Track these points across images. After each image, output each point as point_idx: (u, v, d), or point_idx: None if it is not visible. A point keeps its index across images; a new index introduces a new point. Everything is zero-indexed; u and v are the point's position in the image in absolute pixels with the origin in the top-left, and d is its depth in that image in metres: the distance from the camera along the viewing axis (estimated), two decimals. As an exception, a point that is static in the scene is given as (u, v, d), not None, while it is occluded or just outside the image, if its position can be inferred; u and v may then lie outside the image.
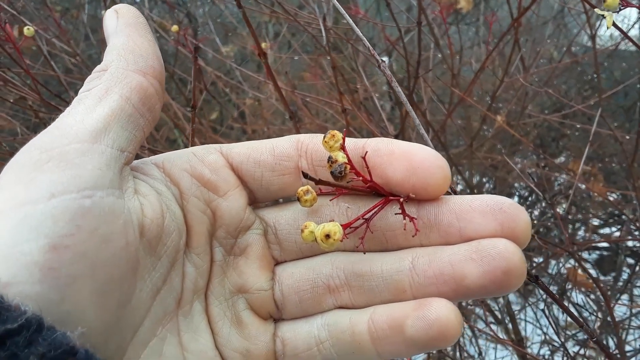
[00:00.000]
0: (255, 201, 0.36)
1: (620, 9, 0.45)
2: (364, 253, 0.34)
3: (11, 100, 1.00)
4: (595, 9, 0.46)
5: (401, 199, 0.32)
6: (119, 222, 0.26)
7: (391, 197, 0.32)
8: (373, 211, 0.32)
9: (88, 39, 2.01)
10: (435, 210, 0.32)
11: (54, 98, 0.88)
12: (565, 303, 1.91)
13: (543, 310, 0.94)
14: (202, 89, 1.55)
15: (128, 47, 0.33)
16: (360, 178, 0.32)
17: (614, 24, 0.47)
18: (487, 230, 0.30)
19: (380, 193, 0.33)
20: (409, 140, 1.68)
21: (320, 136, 0.34)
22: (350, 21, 0.42)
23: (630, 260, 2.17)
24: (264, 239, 0.35)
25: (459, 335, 0.30)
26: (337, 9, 0.47)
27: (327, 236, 0.31)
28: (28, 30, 0.71)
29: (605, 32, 2.86)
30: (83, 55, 1.75)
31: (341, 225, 0.32)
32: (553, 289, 1.97)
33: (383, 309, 0.32)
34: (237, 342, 0.34)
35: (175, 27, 1.02)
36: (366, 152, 0.32)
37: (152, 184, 0.32)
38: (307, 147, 0.34)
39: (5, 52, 0.73)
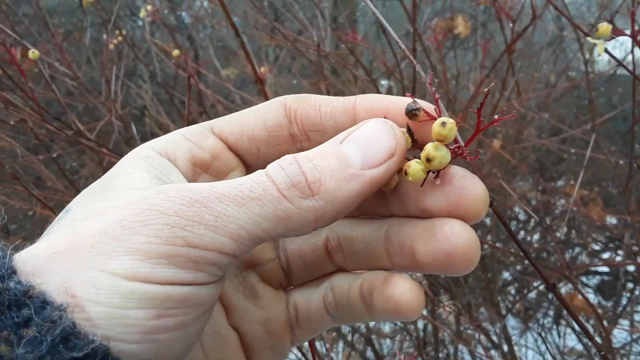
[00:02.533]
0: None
1: (612, 37, 0.46)
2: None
3: (12, 123, 1.01)
4: (588, 37, 0.48)
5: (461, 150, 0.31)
6: (214, 298, 0.29)
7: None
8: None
9: (89, 62, 2.04)
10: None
11: (55, 121, 0.89)
12: (565, 328, 1.90)
13: (540, 334, 0.93)
14: (201, 112, 1.57)
15: None
16: (431, 118, 0.31)
17: (606, 51, 0.48)
18: (436, 205, 0.31)
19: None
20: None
21: (305, 97, 0.34)
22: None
23: (631, 285, 2.16)
24: None
25: (417, 313, 0.32)
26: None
27: (444, 124, 0.29)
28: (33, 53, 0.73)
29: (602, 57, 2.89)
30: (85, 78, 1.77)
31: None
32: (550, 314, 1.96)
33: (368, 275, 0.34)
34: (255, 313, 0.35)
35: (176, 52, 1.04)
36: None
37: None
38: (295, 112, 0.34)
39: (7, 75, 0.74)
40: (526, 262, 2.03)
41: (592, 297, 2.33)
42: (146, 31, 1.48)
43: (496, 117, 0.30)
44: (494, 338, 1.37)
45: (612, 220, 2.28)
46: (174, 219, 0.27)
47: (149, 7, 1.36)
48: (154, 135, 2.06)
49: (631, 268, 2.03)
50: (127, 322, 0.25)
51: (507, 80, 1.16)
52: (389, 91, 2.24)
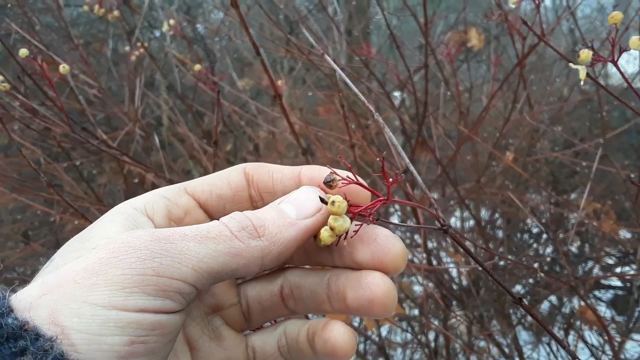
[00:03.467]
0: None
1: (593, 64, 0.49)
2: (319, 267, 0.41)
3: (36, 130, 1.05)
4: (570, 63, 0.50)
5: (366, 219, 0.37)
6: (178, 327, 0.34)
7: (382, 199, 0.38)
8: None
9: (109, 72, 2.09)
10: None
11: (82, 131, 0.92)
12: (577, 341, 1.89)
13: (549, 344, 0.94)
14: (219, 122, 1.60)
15: None
16: (349, 182, 0.37)
17: (588, 75, 0.51)
18: (364, 259, 0.37)
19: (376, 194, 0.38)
20: (419, 173, 1.70)
21: (262, 165, 0.41)
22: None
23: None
24: None
25: (350, 353, 0.37)
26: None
27: (333, 202, 0.36)
28: (64, 68, 0.77)
29: (615, 71, 2.88)
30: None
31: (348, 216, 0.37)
32: (562, 325, 1.95)
33: (313, 321, 0.40)
34: (219, 353, 0.40)
35: (197, 66, 1.08)
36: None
37: None
38: (252, 177, 0.41)
39: (38, 87, 0.78)
40: (539, 275, 2.03)
41: (606, 311, 2.31)
42: (167, 44, 1.52)
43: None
44: (505, 350, 1.38)
45: (626, 234, 2.27)
46: (144, 253, 0.32)
47: (172, 22, 1.40)
48: (170, 145, 2.10)
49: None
50: (103, 348, 0.29)
51: (519, 93, 1.18)
52: (402, 103, 2.26)
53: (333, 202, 0.36)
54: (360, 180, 0.38)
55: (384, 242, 0.37)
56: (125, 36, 2.16)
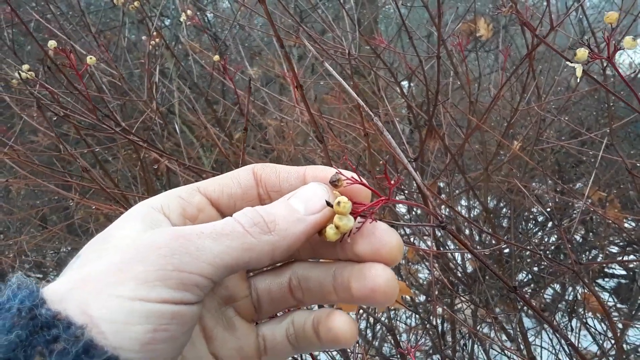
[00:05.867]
0: None
1: (589, 61, 0.52)
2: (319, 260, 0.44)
3: (59, 115, 1.09)
4: (567, 62, 0.53)
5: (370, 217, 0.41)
6: (196, 317, 0.37)
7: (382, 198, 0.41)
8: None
9: (125, 61, 2.12)
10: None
11: (105, 118, 0.96)
12: (579, 330, 1.92)
13: (554, 333, 0.97)
14: (249, 110, 1.64)
15: None
16: (353, 182, 0.40)
17: (585, 73, 0.54)
18: (364, 252, 0.40)
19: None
20: (427, 162, 1.73)
21: (269, 166, 0.44)
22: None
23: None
24: None
25: (352, 340, 0.41)
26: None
27: (339, 203, 0.39)
28: (90, 59, 0.80)
29: (624, 61, 2.90)
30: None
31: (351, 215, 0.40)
32: (565, 312, 1.99)
33: (317, 311, 0.43)
34: (232, 342, 0.44)
35: (216, 57, 1.11)
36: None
37: None
38: (260, 177, 0.43)
39: (65, 77, 0.81)
40: (543, 263, 2.06)
41: (609, 300, 2.34)
42: (184, 34, 1.55)
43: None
44: (510, 333, 1.42)
45: (630, 223, 2.29)
46: (165, 250, 0.35)
47: (189, 12, 1.43)
48: (182, 133, 2.13)
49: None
50: (130, 335, 0.32)
51: (528, 84, 1.20)
52: (410, 93, 2.28)
53: (339, 202, 0.38)
54: (364, 180, 0.41)
55: (381, 235, 0.40)
56: (138, 25, 2.19)
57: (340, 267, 0.42)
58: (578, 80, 0.55)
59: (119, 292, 0.33)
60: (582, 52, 0.55)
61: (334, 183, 0.40)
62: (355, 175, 0.41)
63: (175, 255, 0.35)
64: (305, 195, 0.40)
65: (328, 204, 0.39)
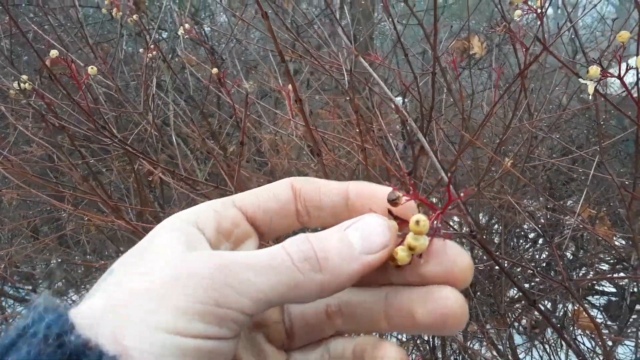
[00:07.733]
0: (263, 240, 0.42)
1: (601, 79, 0.53)
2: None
3: (55, 125, 1.09)
4: (580, 79, 0.55)
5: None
6: (232, 352, 0.35)
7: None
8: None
9: (121, 73, 2.13)
10: None
11: (102, 129, 0.96)
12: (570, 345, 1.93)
13: (545, 350, 0.98)
14: (245, 123, 1.65)
15: None
16: (411, 198, 0.37)
17: (597, 91, 0.55)
18: (434, 273, 0.36)
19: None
20: (420, 177, 1.74)
21: (309, 179, 0.41)
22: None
23: (639, 307, 2.18)
24: None
25: None
26: (359, 61, 0.55)
27: (417, 222, 0.35)
28: (92, 69, 0.81)
29: (615, 80, 2.93)
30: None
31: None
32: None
33: (361, 339, 0.39)
34: None
35: (215, 70, 1.12)
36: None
37: None
38: (299, 191, 0.40)
39: (64, 89, 0.82)
40: (535, 279, 2.07)
41: (599, 317, 2.35)
42: (181, 47, 1.56)
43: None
44: (500, 348, 1.42)
45: (620, 241, 2.32)
46: (207, 282, 0.33)
47: (187, 26, 1.45)
48: (177, 146, 2.14)
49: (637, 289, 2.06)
50: None
51: (520, 102, 1.22)
52: (405, 109, 2.31)
53: (417, 221, 0.35)
54: (421, 196, 0.38)
55: (454, 255, 0.36)
56: (135, 38, 2.21)
57: (393, 290, 0.38)
58: (590, 97, 0.56)
59: (155, 323, 0.31)
60: (595, 70, 0.56)
61: (394, 201, 0.36)
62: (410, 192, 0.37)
63: (216, 289, 0.32)
64: (366, 230, 0.36)
65: (394, 202, 0.36)
